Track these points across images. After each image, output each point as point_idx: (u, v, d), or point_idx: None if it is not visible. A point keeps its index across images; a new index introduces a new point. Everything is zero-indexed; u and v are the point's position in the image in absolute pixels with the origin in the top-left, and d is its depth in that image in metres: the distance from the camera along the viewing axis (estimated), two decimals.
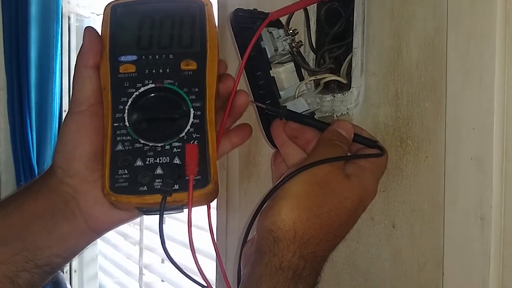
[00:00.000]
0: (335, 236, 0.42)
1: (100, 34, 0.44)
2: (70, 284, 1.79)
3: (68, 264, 1.80)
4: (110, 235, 1.77)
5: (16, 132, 1.73)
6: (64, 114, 1.77)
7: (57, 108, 1.73)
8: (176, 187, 0.39)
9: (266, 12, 0.55)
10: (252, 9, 0.52)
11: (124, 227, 1.76)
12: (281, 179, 0.41)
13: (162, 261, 1.54)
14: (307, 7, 0.56)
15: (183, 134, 0.40)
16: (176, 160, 0.40)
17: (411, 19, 0.48)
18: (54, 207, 0.42)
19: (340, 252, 0.56)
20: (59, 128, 1.75)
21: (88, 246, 0.46)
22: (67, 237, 0.43)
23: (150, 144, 0.40)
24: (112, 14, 0.45)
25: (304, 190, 0.40)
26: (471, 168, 0.43)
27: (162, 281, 1.51)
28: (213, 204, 0.81)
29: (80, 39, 1.80)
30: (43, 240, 0.42)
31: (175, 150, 0.40)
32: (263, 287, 0.38)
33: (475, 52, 0.42)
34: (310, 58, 0.58)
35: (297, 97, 0.52)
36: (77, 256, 0.46)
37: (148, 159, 0.40)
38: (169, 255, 0.40)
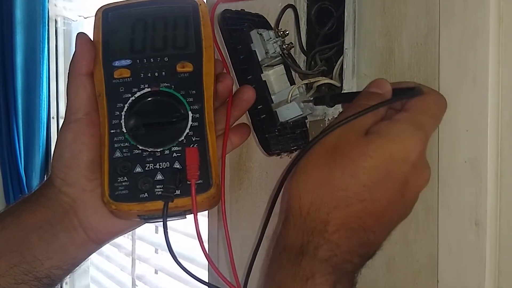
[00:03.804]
0: (363, 208, 0.35)
1: (92, 40, 0.43)
2: None
3: None
4: None
5: (3, 139, 1.71)
6: (52, 121, 1.75)
7: (45, 115, 1.71)
8: (178, 192, 0.38)
9: (254, 12, 0.54)
10: (240, 10, 0.52)
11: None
12: (293, 158, 0.39)
13: (156, 272, 1.52)
14: (297, 8, 0.55)
15: (183, 137, 0.40)
16: (177, 165, 0.39)
17: (403, 17, 0.47)
18: (53, 218, 0.42)
19: None
20: (47, 135, 1.73)
21: (89, 257, 0.45)
22: (67, 248, 0.42)
23: (149, 150, 0.39)
24: (103, 18, 0.45)
25: (310, 162, 0.37)
26: (465, 171, 0.42)
27: None
28: (204, 212, 0.80)
29: (67, 43, 1.79)
30: (42, 251, 0.42)
31: (174, 154, 0.39)
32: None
33: (469, 50, 0.41)
34: (301, 60, 0.56)
35: (290, 102, 0.50)
36: (77, 267, 0.45)
37: (148, 165, 0.39)
38: (179, 262, 0.39)
